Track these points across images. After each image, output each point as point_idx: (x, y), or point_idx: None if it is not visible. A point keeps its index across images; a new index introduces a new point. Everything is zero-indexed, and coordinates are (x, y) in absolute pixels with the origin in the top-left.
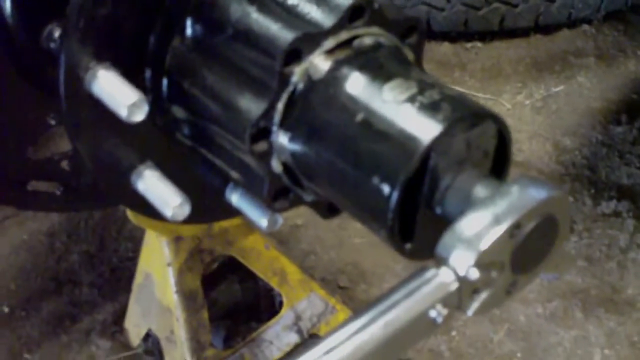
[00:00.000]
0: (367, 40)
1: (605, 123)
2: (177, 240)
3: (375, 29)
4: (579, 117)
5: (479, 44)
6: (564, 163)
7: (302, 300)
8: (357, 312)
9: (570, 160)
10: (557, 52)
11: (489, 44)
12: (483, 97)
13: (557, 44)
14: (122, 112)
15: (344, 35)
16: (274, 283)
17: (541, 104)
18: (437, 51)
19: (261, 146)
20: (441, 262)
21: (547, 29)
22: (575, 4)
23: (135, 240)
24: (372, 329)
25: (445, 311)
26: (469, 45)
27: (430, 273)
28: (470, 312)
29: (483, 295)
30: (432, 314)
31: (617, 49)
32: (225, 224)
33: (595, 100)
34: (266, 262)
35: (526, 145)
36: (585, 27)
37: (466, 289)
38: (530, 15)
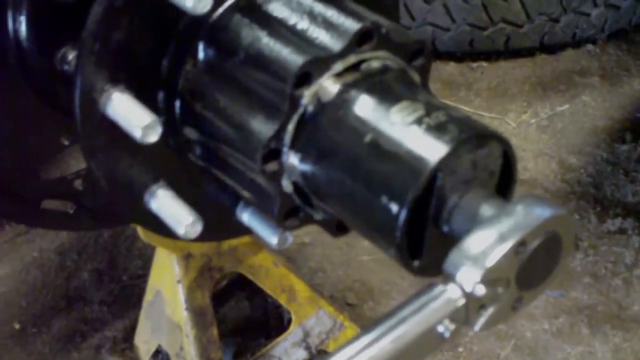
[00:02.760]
0: (375, 64)
1: (610, 141)
2: (187, 257)
3: (382, 53)
4: (584, 135)
5: (484, 64)
6: (570, 181)
7: (311, 317)
8: (366, 328)
9: (575, 179)
10: (562, 71)
11: (494, 64)
12: (489, 116)
13: (562, 64)
14: (137, 134)
15: (352, 59)
16: (282, 300)
17: (546, 123)
18: (443, 71)
19: (272, 166)
20: (448, 278)
21: (552, 49)
22: (579, 24)
23: (145, 258)
24: (381, 343)
25: (452, 326)
26: (474, 64)
27: (438, 289)
28: (477, 328)
29: (489, 311)
30: (440, 329)
31: (622, 68)
32: (234, 242)
33: (600, 119)
34: (275, 279)
35: (532, 164)
36: (590, 46)
37: (473, 305)
38: (535, 35)
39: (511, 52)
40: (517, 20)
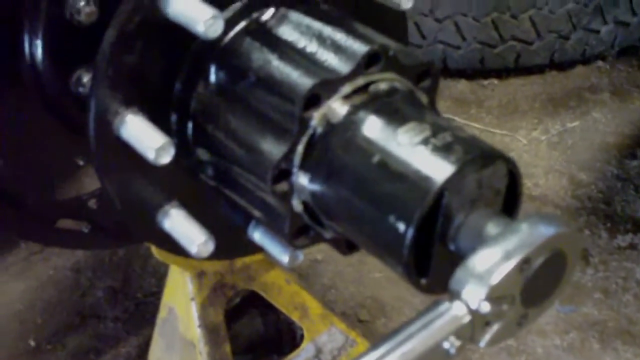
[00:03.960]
0: (383, 86)
1: (620, 157)
2: (200, 275)
3: (390, 75)
4: (595, 152)
5: (495, 81)
6: (580, 197)
7: (323, 334)
8: (374, 344)
9: (586, 195)
10: (572, 88)
11: (505, 81)
12: (500, 133)
13: (572, 80)
14: (150, 155)
15: (360, 81)
16: (295, 317)
17: (557, 140)
18: (454, 88)
19: (282, 187)
20: (454, 296)
21: (562, 66)
22: (589, 40)
23: (159, 276)
24: None
25: (458, 343)
26: (485, 82)
27: (443, 307)
28: (482, 344)
29: (495, 328)
30: (446, 345)
31: (632, 84)
32: (247, 259)
33: (610, 135)
34: (287, 296)
35: (542, 180)
36: (600, 63)
37: (478, 322)
38: (545, 53)
39: (521, 70)
40: (527, 38)
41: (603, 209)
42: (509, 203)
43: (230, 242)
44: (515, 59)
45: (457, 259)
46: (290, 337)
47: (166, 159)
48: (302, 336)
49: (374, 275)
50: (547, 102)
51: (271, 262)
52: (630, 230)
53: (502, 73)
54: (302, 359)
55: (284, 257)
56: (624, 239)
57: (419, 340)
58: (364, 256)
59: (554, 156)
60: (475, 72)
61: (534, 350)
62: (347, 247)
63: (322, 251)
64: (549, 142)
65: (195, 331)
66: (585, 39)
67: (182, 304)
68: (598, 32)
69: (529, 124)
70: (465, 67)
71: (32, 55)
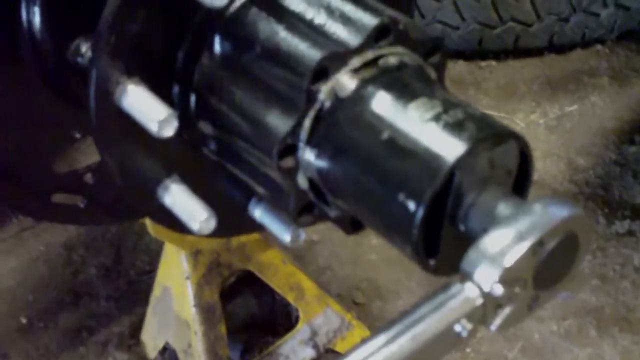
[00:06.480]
0: (392, 60)
1: (618, 142)
2: (195, 254)
3: (399, 49)
4: (593, 136)
5: (493, 63)
6: (578, 182)
7: (319, 316)
8: (384, 325)
9: (584, 180)
10: (571, 71)
11: (503, 63)
12: (497, 116)
13: (571, 64)
14: (153, 127)
15: (369, 55)
16: (290, 298)
17: (555, 123)
18: (452, 69)
19: (288, 162)
20: (466, 277)
21: (561, 49)
22: (589, 24)
23: (152, 254)
24: (399, 341)
25: (470, 325)
26: (483, 64)
27: (455, 288)
28: (493, 328)
29: (506, 311)
30: (457, 328)
31: (631, 69)
32: (243, 238)
33: (608, 120)
34: (283, 277)
35: (540, 164)
36: (599, 47)
37: (490, 305)
38: (544, 35)
39: (520, 52)
40: (526, 20)
41: (601, 195)
42: (519, 183)
43: (230, 220)
44: (514, 40)
45: (467, 240)
46: (285, 318)
47: (169, 131)
48: (297, 317)
49: (370, 257)
50: (545, 85)
51: (267, 242)
52: (628, 217)
53: (501, 55)
54: (297, 341)
55: (285, 236)
56: (622, 225)
57: (430, 322)
58: (361, 238)
59: (551, 140)
60: (474, 54)
61: (531, 336)
62: (351, 226)
63: (318, 232)
64: (547, 126)
65: (190, 310)
66: (585, 22)
67: (177, 283)
68: (598, 15)
69: (527, 107)
70: (463, 48)
71: (30, 22)
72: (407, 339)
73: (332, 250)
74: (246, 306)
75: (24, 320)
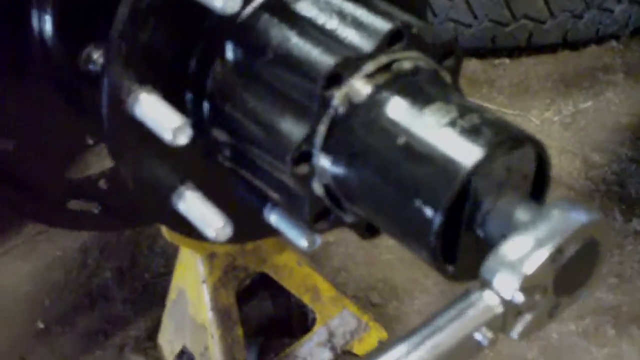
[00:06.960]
0: (406, 64)
1: (634, 139)
2: (211, 257)
3: (413, 53)
4: (608, 133)
5: (507, 61)
6: (594, 179)
7: (335, 317)
8: (403, 335)
9: (599, 176)
10: (585, 68)
11: (516, 60)
12: (512, 114)
13: (585, 60)
14: (167, 136)
15: (383, 60)
16: (306, 300)
17: (570, 120)
18: (465, 68)
19: (303, 169)
20: (485, 285)
21: (574, 45)
22: (603, 20)
23: (167, 257)
24: (419, 351)
25: (490, 334)
26: (497, 61)
27: (475, 296)
28: (514, 335)
29: (526, 318)
30: (478, 336)
31: None
32: (258, 241)
33: (623, 116)
34: (299, 279)
35: (555, 162)
36: (613, 43)
37: (510, 312)
38: (558, 32)
39: (534, 49)
40: (539, 17)
41: (617, 192)
42: (536, 188)
43: (245, 226)
44: (527, 37)
45: (485, 245)
46: (302, 320)
47: (183, 139)
48: (313, 319)
49: (385, 257)
50: (559, 82)
51: (283, 244)
52: None
53: (514, 52)
54: (315, 343)
55: (301, 241)
56: (639, 222)
57: (450, 331)
58: (377, 238)
59: (566, 137)
60: (487, 51)
61: (549, 336)
62: (367, 231)
63: (333, 233)
64: (561, 123)
65: (206, 314)
66: (599, 18)
67: (192, 286)
68: (612, 11)
69: (541, 104)
70: (476, 46)
71: (41, 31)
72: (427, 348)
73: (346, 251)
74: (262, 308)
75: (41, 325)
